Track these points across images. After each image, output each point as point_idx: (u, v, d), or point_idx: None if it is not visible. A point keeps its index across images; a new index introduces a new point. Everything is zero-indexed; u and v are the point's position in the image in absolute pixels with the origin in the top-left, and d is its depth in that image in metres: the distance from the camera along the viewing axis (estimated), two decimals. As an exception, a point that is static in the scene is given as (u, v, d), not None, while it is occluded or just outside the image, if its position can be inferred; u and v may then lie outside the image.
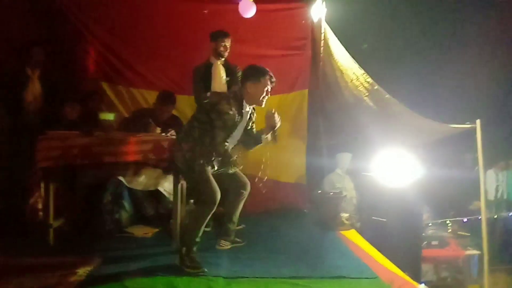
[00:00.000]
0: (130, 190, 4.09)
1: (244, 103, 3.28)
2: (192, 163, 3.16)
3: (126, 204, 4.06)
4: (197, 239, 3.20)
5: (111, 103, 4.80)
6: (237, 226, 4.30)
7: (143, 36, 4.86)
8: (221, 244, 3.62)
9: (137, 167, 4.11)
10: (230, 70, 4.34)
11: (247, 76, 3.29)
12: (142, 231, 3.99)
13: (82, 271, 3.00)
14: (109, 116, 3.86)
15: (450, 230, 5.94)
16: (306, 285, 2.92)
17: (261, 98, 3.29)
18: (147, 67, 4.94)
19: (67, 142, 3.47)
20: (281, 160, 5.10)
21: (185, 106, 4.79)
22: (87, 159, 3.51)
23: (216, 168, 3.33)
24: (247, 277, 3.03)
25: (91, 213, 3.97)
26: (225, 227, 3.67)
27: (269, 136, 3.40)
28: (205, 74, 4.21)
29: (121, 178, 4.04)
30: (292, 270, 3.18)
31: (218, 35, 4.22)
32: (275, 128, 3.35)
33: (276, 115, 3.32)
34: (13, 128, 4.17)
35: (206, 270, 3.08)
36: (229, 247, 3.62)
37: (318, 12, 4.91)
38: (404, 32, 5.74)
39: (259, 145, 3.50)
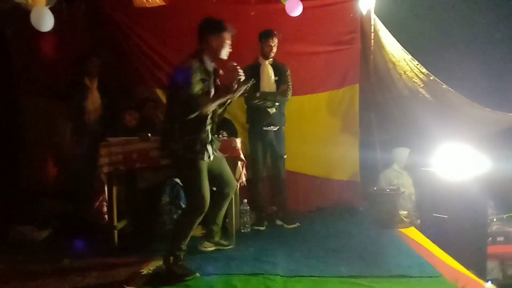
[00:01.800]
0: (186, 191, 4.21)
1: (207, 59, 3.09)
2: (187, 151, 2.99)
3: (183, 204, 4.18)
4: (184, 247, 3.09)
5: (165, 108, 4.94)
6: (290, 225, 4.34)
7: (193, 42, 4.94)
8: (204, 246, 3.54)
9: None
10: (278, 70, 4.34)
11: (208, 29, 3.09)
12: (200, 231, 4.08)
13: (146, 271, 3.13)
14: None
15: None
16: (366, 284, 2.86)
17: (224, 53, 3.10)
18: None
19: (127, 147, 3.65)
20: (333, 157, 5.04)
21: (235, 107, 4.85)
22: (146, 163, 3.67)
23: (211, 153, 3.12)
24: (305, 276, 3.02)
25: (151, 214, 4.13)
26: (208, 228, 3.56)
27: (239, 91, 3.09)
28: (253, 75, 4.24)
29: (176, 180, 4.18)
30: (350, 269, 3.13)
31: (262, 36, 4.24)
32: (240, 80, 3.02)
33: (237, 66, 3.06)
34: (76, 136, 4.39)
35: (198, 274, 3.01)
36: (212, 249, 3.54)
37: (366, 4, 4.80)
38: (462, 19, 5.45)
39: (227, 104, 3.26)
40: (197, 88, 2.96)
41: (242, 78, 3.05)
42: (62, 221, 4.25)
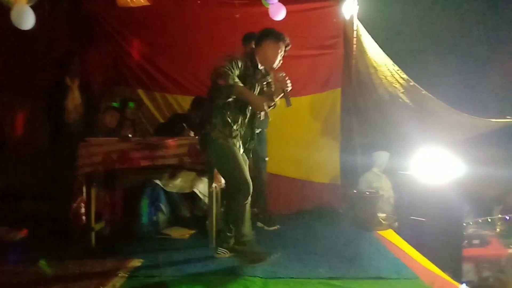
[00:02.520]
0: (167, 193, 4.20)
1: (257, 61, 3.24)
2: (218, 141, 3.15)
3: (163, 206, 4.16)
4: (247, 232, 3.25)
5: (147, 109, 4.92)
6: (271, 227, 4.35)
7: (176, 43, 4.96)
8: (218, 252, 3.46)
9: (173, 170, 4.21)
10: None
11: (269, 35, 3.23)
12: (179, 233, 4.08)
13: (123, 273, 3.09)
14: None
15: (498, 230, 5.72)
16: (344, 286, 2.90)
17: (274, 62, 3.24)
18: (181, 72, 5.04)
19: (107, 148, 3.60)
20: (314, 160, 5.08)
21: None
22: (126, 164, 3.63)
23: (242, 144, 3.31)
24: (284, 278, 3.03)
25: (130, 216, 4.09)
26: (223, 234, 3.51)
27: (278, 98, 3.26)
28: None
29: (157, 181, 4.15)
30: (329, 270, 3.16)
31: (246, 38, 4.25)
32: (287, 90, 3.18)
33: (287, 77, 3.19)
34: (55, 136, 4.33)
35: (277, 253, 3.18)
36: (227, 255, 3.44)
37: (350, 9, 4.86)
38: (443, 26, 5.57)
39: (271, 107, 3.36)
40: (234, 70, 3.05)
41: (289, 89, 3.19)
42: (38, 222, 4.17)
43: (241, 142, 3.32)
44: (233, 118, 3.19)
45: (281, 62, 3.30)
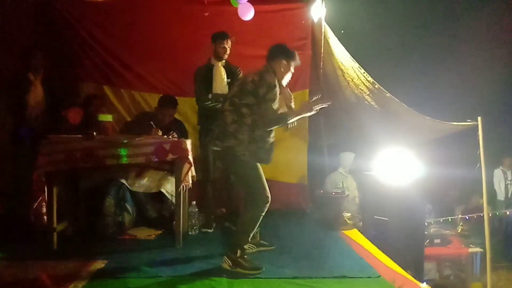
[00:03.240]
0: (133, 192, 4.12)
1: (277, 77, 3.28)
2: (251, 156, 3.16)
3: (129, 206, 4.08)
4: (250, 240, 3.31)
5: (113, 106, 4.82)
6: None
7: (144, 39, 4.88)
8: (248, 247, 3.51)
9: (140, 169, 4.14)
10: (231, 71, 4.34)
11: (285, 53, 3.30)
12: (145, 233, 4.02)
13: (86, 274, 3.02)
14: (108, 118, 3.88)
15: (460, 230, 5.94)
16: (309, 285, 2.94)
17: (286, 79, 3.34)
18: (148, 69, 4.96)
19: (70, 146, 3.49)
20: (282, 160, 5.09)
21: (186, 108, 4.82)
22: (90, 162, 3.53)
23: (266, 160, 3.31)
24: (250, 278, 3.05)
25: (94, 216, 3.99)
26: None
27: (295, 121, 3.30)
28: (206, 76, 4.22)
29: (123, 181, 4.07)
30: (294, 270, 3.20)
31: (216, 37, 4.23)
32: (291, 106, 3.35)
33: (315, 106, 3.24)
34: (16, 132, 4.19)
35: (264, 269, 3.15)
36: (254, 250, 3.58)
37: (318, 12, 4.92)
38: (404, 30, 5.75)
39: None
40: (277, 104, 3.16)
41: (292, 105, 3.36)
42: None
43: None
44: (260, 136, 3.18)
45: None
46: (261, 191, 3.19)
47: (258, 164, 3.25)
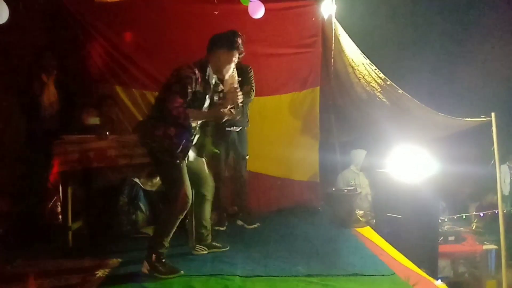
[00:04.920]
0: (146, 191, 4.16)
1: (210, 71, 3.12)
2: (166, 153, 2.99)
3: (142, 205, 4.13)
4: (167, 244, 3.08)
5: (125, 106, 4.85)
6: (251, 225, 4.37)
7: (155, 39, 4.90)
8: (196, 249, 3.48)
9: (151, 168, 4.16)
10: (242, 70, 4.33)
11: (222, 42, 3.11)
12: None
13: (101, 273, 3.06)
14: (95, 121, 3.95)
15: (474, 227, 5.88)
16: (322, 283, 2.93)
17: (228, 70, 3.15)
18: (159, 69, 4.96)
19: (83, 146, 3.54)
20: (293, 158, 5.11)
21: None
22: (103, 162, 3.58)
23: (192, 156, 3.21)
24: (263, 276, 3.05)
25: (108, 215, 4.04)
26: (198, 232, 3.54)
27: (226, 110, 3.14)
28: (216, 75, 4.23)
29: (136, 180, 4.11)
30: (307, 268, 3.19)
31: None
32: (237, 104, 3.17)
33: (239, 92, 3.16)
34: (30, 133, 4.23)
35: (182, 271, 3.03)
36: (206, 252, 3.48)
37: (328, 9, 4.90)
38: (417, 27, 5.69)
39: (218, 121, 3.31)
40: (188, 98, 2.96)
41: (240, 103, 3.16)
42: (14, 221, 4.08)
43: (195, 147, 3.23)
44: (179, 134, 3.01)
45: (234, 70, 3.23)
46: (180, 191, 3.01)
47: (180, 166, 3.04)
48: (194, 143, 3.23)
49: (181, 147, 3.01)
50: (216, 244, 3.59)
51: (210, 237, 3.57)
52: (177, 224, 3.11)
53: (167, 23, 4.91)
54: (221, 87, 3.31)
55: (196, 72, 3.01)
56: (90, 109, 4.36)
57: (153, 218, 4.22)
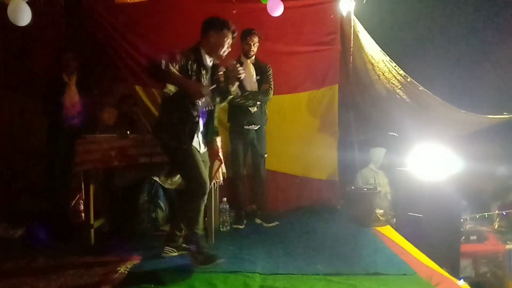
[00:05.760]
0: (165, 189, 4.20)
1: (204, 53, 3.18)
2: (173, 140, 3.07)
3: (162, 203, 4.17)
4: (200, 232, 3.21)
5: (145, 105, 4.91)
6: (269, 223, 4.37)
7: (174, 39, 4.92)
8: (165, 251, 3.36)
9: (171, 167, 4.20)
10: (260, 69, 4.35)
11: (211, 24, 3.18)
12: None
13: (123, 269, 3.10)
14: None
15: (496, 226, 5.76)
16: (342, 281, 2.92)
17: (222, 51, 3.18)
18: (178, 69, 5.01)
19: (105, 145, 3.60)
20: (312, 157, 5.09)
21: (217, 107, 4.85)
22: (124, 161, 3.63)
23: (199, 143, 3.23)
24: (283, 274, 3.05)
25: (129, 213, 4.09)
26: (171, 232, 3.43)
27: (235, 87, 3.29)
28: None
29: (156, 178, 4.15)
30: (327, 266, 3.18)
31: (242, 34, 4.23)
32: (240, 78, 3.24)
33: (238, 65, 3.20)
34: (53, 133, 4.30)
35: (223, 260, 3.11)
36: (175, 254, 3.36)
37: (346, 6, 4.86)
38: (438, 22, 5.59)
39: (229, 99, 3.42)
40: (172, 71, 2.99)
41: (242, 76, 3.20)
42: (37, 219, 4.16)
43: (200, 138, 3.24)
44: (182, 118, 3.09)
45: (229, 50, 3.24)
46: (196, 178, 3.06)
47: (190, 151, 3.10)
48: (201, 130, 3.25)
49: (186, 130, 3.08)
50: (186, 246, 3.36)
51: (182, 239, 3.41)
52: (202, 209, 3.17)
53: (185, 23, 4.93)
54: (220, 70, 3.35)
55: (187, 54, 3.11)
56: (110, 108, 4.42)
57: (173, 216, 4.26)
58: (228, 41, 3.19)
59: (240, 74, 3.18)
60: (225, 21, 3.19)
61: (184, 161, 3.11)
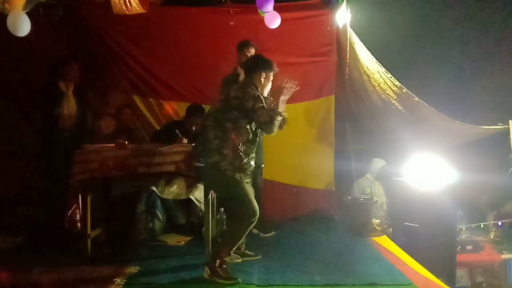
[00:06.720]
0: (163, 199, 4.20)
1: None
2: (227, 173, 3.11)
3: (159, 213, 4.17)
4: (232, 253, 3.25)
5: (143, 116, 4.93)
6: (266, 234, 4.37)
7: (171, 50, 4.98)
8: (231, 258, 3.42)
9: (169, 177, 4.21)
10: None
11: (262, 64, 3.29)
12: (175, 240, 4.08)
13: (120, 280, 3.09)
14: None
15: (492, 236, 5.78)
16: (339, 292, 2.93)
17: (266, 89, 3.31)
18: (176, 79, 5.06)
19: (103, 155, 3.60)
20: (309, 166, 5.11)
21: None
22: (122, 170, 3.63)
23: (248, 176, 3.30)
24: (279, 285, 3.05)
25: (126, 223, 4.09)
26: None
27: (283, 107, 3.28)
28: (232, 84, 4.27)
29: (153, 188, 4.15)
30: (324, 277, 3.18)
31: (239, 46, 4.27)
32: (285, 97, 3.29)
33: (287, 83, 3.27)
34: (51, 142, 4.30)
35: (240, 280, 3.10)
36: (239, 260, 3.50)
37: (343, 18, 4.92)
38: (434, 34, 5.66)
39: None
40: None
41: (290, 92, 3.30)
42: (34, 229, 4.16)
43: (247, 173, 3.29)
44: (245, 151, 3.17)
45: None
46: (249, 206, 3.12)
47: (243, 179, 3.18)
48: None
49: (248, 162, 3.19)
50: (249, 252, 3.65)
51: (244, 245, 3.62)
52: (245, 235, 3.26)
53: (183, 34, 4.99)
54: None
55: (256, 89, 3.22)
56: (108, 118, 4.44)
57: (170, 226, 4.27)
58: (271, 78, 3.34)
59: (291, 91, 3.28)
60: (271, 61, 3.33)
61: (237, 192, 3.15)
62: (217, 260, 3.12)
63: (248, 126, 3.17)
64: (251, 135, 3.19)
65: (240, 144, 3.13)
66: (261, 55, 3.43)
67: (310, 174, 5.16)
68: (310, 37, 5.09)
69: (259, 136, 3.34)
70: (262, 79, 3.27)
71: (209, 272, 3.10)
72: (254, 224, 3.16)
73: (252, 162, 3.26)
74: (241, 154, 3.14)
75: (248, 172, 3.25)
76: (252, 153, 3.23)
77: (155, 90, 5.04)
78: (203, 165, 3.25)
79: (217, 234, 3.82)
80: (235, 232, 3.22)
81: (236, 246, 3.26)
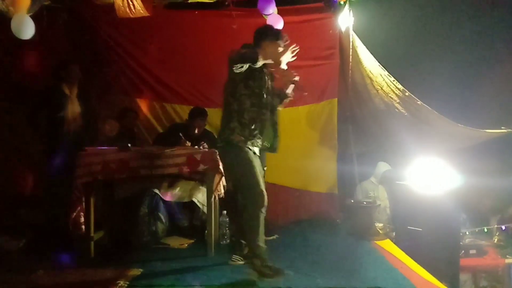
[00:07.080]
0: (165, 202, 4.21)
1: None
2: (239, 144, 3.12)
3: (162, 216, 4.18)
4: (262, 244, 3.14)
5: (146, 118, 4.94)
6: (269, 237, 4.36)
7: (175, 53, 5.00)
8: (232, 259, 3.49)
9: (172, 179, 4.23)
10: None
11: (266, 34, 3.30)
12: (178, 242, 4.09)
13: (123, 282, 3.09)
14: None
15: (496, 240, 5.76)
16: (342, 296, 2.93)
17: (279, 59, 3.24)
18: (179, 82, 5.08)
19: (106, 157, 3.62)
20: (311, 169, 5.11)
21: (216, 119, 4.87)
22: (125, 173, 3.65)
23: (260, 145, 3.30)
24: (282, 288, 3.05)
25: (129, 225, 4.10)
26: (236, 241, 3.56)
27: (291, 89, 3.45)
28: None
29: (156, 190, 4.16)
30: (327, 280, 3.17)
31: (242, 48, 4.27)
32: (296, 81, 3.40)
33: (290, 69, 3.31)
34: (54, 145, 4.30)
35: (290, 272, 3.13)
36: (241, 262, 3.46)
37: (345, 21, 4.94)
38: (437, 38, 5.66)
39: (286, 100, 3.52)
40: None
41: (297, 78, 3.42)
42: (37, 231, 4.17)
43: (260, 142, 3.31)
44: (250, 118, 3.17)
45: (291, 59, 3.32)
46: (257, 186, 3.08)
47: (255, 160, 3.17)
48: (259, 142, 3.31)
49: (254, 132, 3.18)
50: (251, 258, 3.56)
51: (247, 248, 3.48)
52: (262, 220, 3.13)
53: (186, 37, 5.02)
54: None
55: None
56: (111, 121, 4.45)
57: (173, 229, 4.27)
58: (281, 49, 3.28)
59: (295, 76, 3.33)
60: (278, 30, 3.37)
61: (247, 166, 3.12)
62: (257, 260, 3.08)
63: (246, 92, 3.16)
64: (253, 99, 3.17)
65: (245, 113, 3.14)
66: (269, 25, 3.49)
67: (313, 177, 5.16)
68: (312, 40, 5.09)
69: (266, 96, 3.27)
70: (268, 49, 3.22)
71: (257, 275, 3.07)
72: (264, 207, 3.09)
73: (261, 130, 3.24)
74: (247, 122, 3.15)
75: (258, 140, 3.24)
76: (260, 118, 3.21)
77: (159, 93, 5.06)
78: (220, 145, 3.28)
79: (231, 235, 3.81)
80: (248, 219, 3.14)
81: (259, 236, 3.11)
